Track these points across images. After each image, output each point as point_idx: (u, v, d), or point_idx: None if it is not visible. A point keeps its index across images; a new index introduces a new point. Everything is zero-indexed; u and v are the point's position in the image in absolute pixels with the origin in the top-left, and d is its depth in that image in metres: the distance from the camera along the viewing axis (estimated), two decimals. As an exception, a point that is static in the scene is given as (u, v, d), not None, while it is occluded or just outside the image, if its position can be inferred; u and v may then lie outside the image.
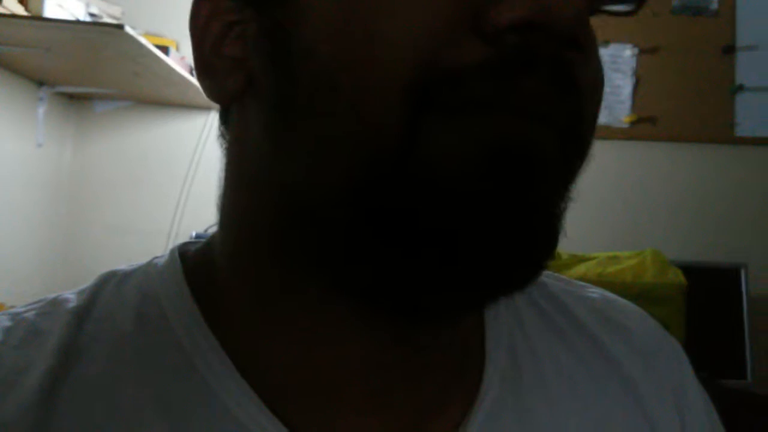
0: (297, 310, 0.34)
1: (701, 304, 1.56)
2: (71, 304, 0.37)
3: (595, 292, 0.47)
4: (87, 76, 1.74)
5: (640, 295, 1.34)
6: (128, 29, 1.30)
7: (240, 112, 0.35)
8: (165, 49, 1.57)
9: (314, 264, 0.33)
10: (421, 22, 0.29)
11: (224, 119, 0.37)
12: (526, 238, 0.30)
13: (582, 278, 1.49)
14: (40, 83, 1.77)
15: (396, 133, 0.29)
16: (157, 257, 0.39)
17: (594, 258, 1.50)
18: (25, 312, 0.37)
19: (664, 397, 0.42)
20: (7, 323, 0.36)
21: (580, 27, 0.29)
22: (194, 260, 0.38)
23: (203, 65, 0.35)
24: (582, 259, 1.49)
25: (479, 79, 0.28)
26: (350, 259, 0.31)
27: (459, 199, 0.29)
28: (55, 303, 0.37)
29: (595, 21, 0.33)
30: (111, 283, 0.38)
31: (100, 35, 1.35)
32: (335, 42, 0.30)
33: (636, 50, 2.02)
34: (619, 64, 2.03)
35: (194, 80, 1.64)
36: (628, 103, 2.02)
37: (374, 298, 0.32)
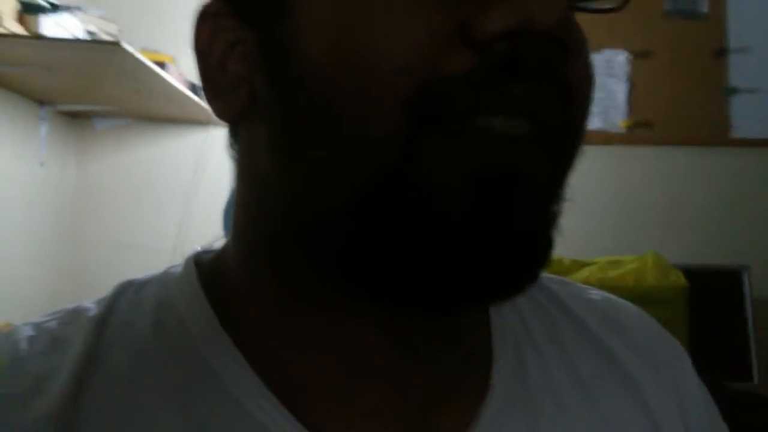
0: (308, 313, 0.35)
1: (704, 307, 1.56)
2: (91, 313, 0.38)
3: (597, 293, 0.48)
4: (87, 94, 1.75)
5: (642, 298, 1.35)
6: (126, 46, 1.31)
7: (247, 127, 0.36)
8: (162, 65, 1.58)
9: (321, 270, 0.34)
10: (413, 37, 0.30)
11: (233, 133, 0.38)
12: (517, 251, 0.31)
13: (584, 283, 1.47)
14: (41, 102, 1.78)
15: (394, 149, 0.30)
16: (172, 266, 0.40)
17: (595, 263, 1.50)
18: (47, 322, 0.38)
19: (666, 395, 0.43)
20: (31, 332, 0.37)
21: (564, 29, 0.30)
22: (209, 268, 0.39)
23: (209, 85, 0.36)
24: (584, 264, 1.50)
25: (472, 86, 0.30)
26: (353, 265, 0.32)
27: (450, 218, 0.30)
28: (76, 312, 0.38)
29: (588, 27, 0.34)
30: (129, 291, 0.39)
31: (98, 52, 1.36)
32: (330, 59, 0.31)
33: (629, 55, 2.03)
34: (613, 69, 2.04)
35: (193, 96, 1.65)
36: (623, 108, 2.03)
37: (375, 301, 0.33)
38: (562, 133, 0.32)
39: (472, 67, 0.30)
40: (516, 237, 0.31)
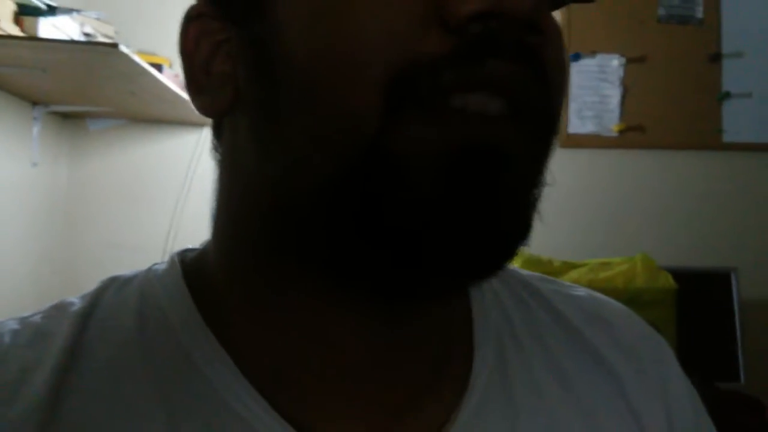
0: (289, 308, 0.36)
1: (693, 309, 1.57)
2: (75, 307, 0.38)
3: (582, 290, 0.48)
4: (81, 95, 1.75)
5: (632, 300, 1.36)
6: (123, 48, 1.31)
7: (230, 123, 0.37)
8: (159, 67, 1.58)
9: (300, 260, 0.35)
10: (389, 21, 0.30)
11: (217, 132, 0.39)
12: (491, 230, 0.32)
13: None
14: (35, 103, 1.78)
15: (371, 132, 0.30)
16: (156, 264, 0.41)
17: (585, 264, 1.51)
18: (32, 316, 0.39)
19: (649, 391, 0.43)
20: (15, 326, 0.38)
21: (538, 12, 0.31)
22: (192, 265, 0.40)
23: (194, 84, 0.37)
24: (573, 266, 1.51)
25: (448, 66, 0.30)
26: (333, 250, 0.33)
27: (425, 195, 0.30)
28: (60, 307, 0.39)
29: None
30: (113, 287, 0.40)
31: (95, 54, 1.36)
32: (310, 47, 0.32)
33: (623, 60, 2.04)
34: (606, 73, 2.05)
35: (187, 97, 1.64)
36: (616, 112, 2.04)
37: (354, 285, 0.34)
38: (539, 113, 0.32)
39: (448, 48, 0.30)
40: (490, 215, 0.31)
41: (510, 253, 0.33)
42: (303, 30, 0.32)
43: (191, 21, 0.37)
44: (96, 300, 0.39)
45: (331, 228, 0.32)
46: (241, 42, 0.35)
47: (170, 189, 1.95)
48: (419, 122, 0.30)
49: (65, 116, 1.95)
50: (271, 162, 0.34)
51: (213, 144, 0.39)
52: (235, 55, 0.35)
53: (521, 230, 0.33)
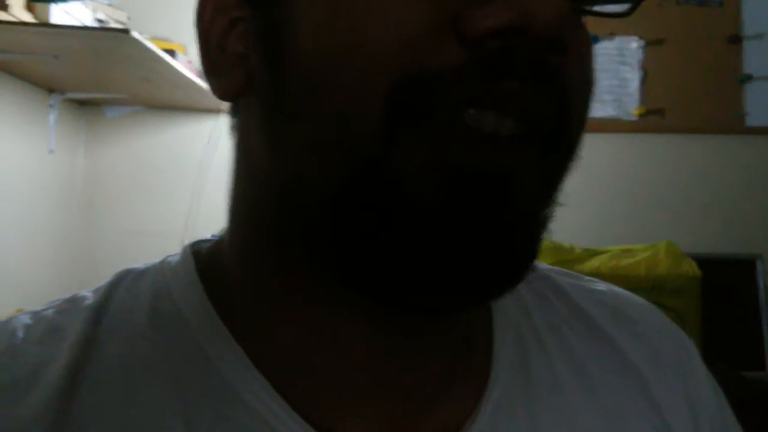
0: (300, 302, 0.35)
1: (717, 296, 1.55)
2: (88, 302, 0.38)
3: (603, 285, 0.47)
4: (96, 82, 1.76)
5: (655, 287, 1.34)
6: (135, 34, 1.31)
7: (244, 107, 0.36)
8: (172, 53, 1.58)
9: (310, 258, 0.34)
10: (402, 27, 0.29)
11: (233, 113, 0.38)
12: (495, 253, 0.30)
13: (596, 272, 1.48)
14: (50, 90, 1.79)
15: (375, 140, 0.29)
16: (170, 255, 0.40)
17: (607, 251, 1.50)
18: (44, 310, 0.38)
19: (673, 388, 0.42)
20: (28, 321, 0.37)
21: (563, 30, 0.29)
22: (206, 257, 0.39)
23: (209, 61, 0.36)
24: (595, 253, 1.49)
25: (459, 79, 0.29)
26: (336, 256, 0.32)
27: (425, 214, 0.29)
28: (73, 301, 0.38)
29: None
30: (126, 280, 0.39)
31: (107, 40, 1.36)
32: (320, 44, 0.30)
33: (642, 42, 2.01)
34: (625, 56, 2.03)
35: (202, 83, 1.65)
36: (636, 96, 2.02)
37: (362, 291, 0.33)
38: (554, 134, 0.31)
39: (461, 61, 0.29)
40: (494, 237, 0.30)
41: (515, 277, 0.32)
42: (316, 24, 0.31)
43: None
44: (109, 294, 0.38)
45: (335, 234, 0.31)
46: (255, 25, 0.34)
47: (187, 175, 1.95)
48: (423, 139, 0.29)
49: (81, 103, 1.97)
50: (278, 156, 0.33)
51: (231, 123, 0.38)
52: (249, 37, 0.34)
53: (526, 254, 0.32)
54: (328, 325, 0.35)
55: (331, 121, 0.30)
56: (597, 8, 0.33)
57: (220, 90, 0.36)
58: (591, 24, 0.34)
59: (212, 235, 0.41)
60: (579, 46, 0.32)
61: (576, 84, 0.32)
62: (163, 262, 0.40)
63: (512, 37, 0.29)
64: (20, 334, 0.36)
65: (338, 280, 0.33)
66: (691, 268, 1.44)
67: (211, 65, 0.36)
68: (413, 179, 0.29)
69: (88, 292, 0.39)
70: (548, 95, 0.30)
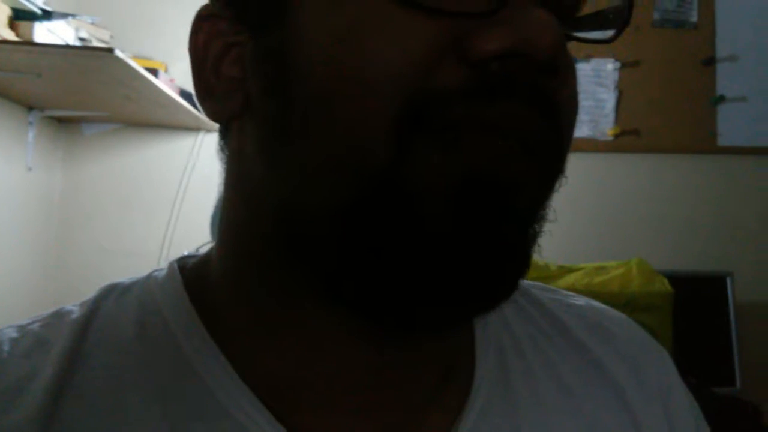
0: (292, 319, 0.35)
1: (689, 313, 1.57)
2: (74, 315, 0.38)
3: (580, 299, 0.48)
4: (77, 100, 1.75)
5: (628, 304, 1.36)
6: (118, 53, 1.31)
7: (238, 130, 0.36)
8: (154, 72, 1.58)
9: (307, 277, 0.34)
10: (407, 49, 0.30)
11: (224, 134, 0.38)
12: (495, 266, 0.31)
13: (570, 288, 1.49)
14: (30, 108, 1.77)
15: (383, 159, 0.30)
16: (156, 270, 0.41)
17: (581, 269, 1.51)
18: (30, 324, 0.38)
19: (651, 401, 0.43)
20: (14, 335, 0.37)
21: (557, 55, 0.30)
22: (193, 272, 0.39)
23: (203, 85, 0.36)
24: (570, 270, 1.51)
25: (463, 100, 0.30)
26: (338, 273, 0.32)
27: (435, 229, 0.30)
28: (59, 315, 0.39)
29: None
30: (112, 294, 0.39)
31: (91, 59, 1.35)
32: (328, 67, 0.31)
33: (618, 64, 2.04)
34: (601, 78, 2.06)
35: (184, 102, 1.65)
36: (611, 116, 2.05)
37: (360, 309, 0.33)
38: (548, 154, 0.32)
39: (464, 82, 0.30)
40: (495, 251, 0.31)
41: (513, 287, 0.33)
42: (320, 49, 0.31)
43: (203, 21, 0.37)
44: (95, 308, 0.38)
45: (340, 251, 0.32)
46: (256, 50, 0.34)
47: (166, 194, 1.95)
48: (430, 153, 0.30)
49: (60, 121, 1.95)
50: (278, 178, 0.33)
51: (219, 145, 0.39)
52: (247, 62, 0.35)
53: (521, 267, 0.33)
54: (319, 344, 0.35)
55: (342, 140, 0.31)
56: (582, 35, 0.35)
57: (215, 114, 0.36)
58: (569, 46, 0.36)
59: (197, 250, 0.41)
60: (567, 69, 0.33)
61: (565, 105, 0.33)
62: (149, 277, 0.40)
63: (513, 61, 0.30)
64: (6, 347, 0.36)
65: (339, 299, 0.33)
66: (664, 285, 1.46)
67: (205, 89, 0.36)
68: (423, 186, 0.30)
69: (73, 306, 0.39)
70: (545, 117, 0.31)
